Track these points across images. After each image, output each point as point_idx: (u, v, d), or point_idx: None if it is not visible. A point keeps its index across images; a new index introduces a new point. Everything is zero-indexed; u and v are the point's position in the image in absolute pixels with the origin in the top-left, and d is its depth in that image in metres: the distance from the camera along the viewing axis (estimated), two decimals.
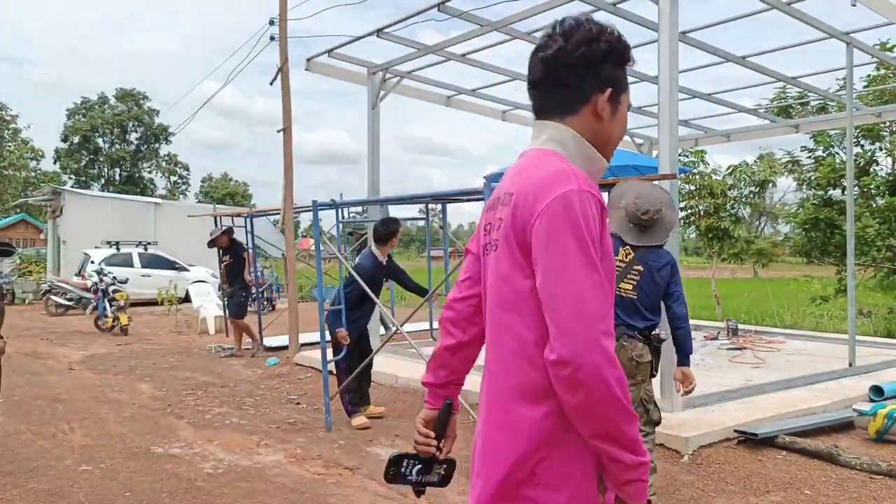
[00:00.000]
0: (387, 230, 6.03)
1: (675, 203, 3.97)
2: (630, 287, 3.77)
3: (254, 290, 10.31)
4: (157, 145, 49.52)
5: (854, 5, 6.54)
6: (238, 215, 11.29)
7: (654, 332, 3.83)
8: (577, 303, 1.28)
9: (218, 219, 10.85)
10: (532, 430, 1.37)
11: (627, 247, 3.80)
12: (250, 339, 9.79)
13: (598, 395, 1.27)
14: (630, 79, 7.92)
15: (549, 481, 1.36)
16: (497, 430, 1.45)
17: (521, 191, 1.40)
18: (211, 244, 9.73)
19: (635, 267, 3.78)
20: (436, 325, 8.00)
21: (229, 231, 9.76)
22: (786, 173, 15.88)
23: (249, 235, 10.41)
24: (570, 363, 1.26)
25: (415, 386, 6.90)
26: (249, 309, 10.09)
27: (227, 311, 9.91)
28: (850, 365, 7.29)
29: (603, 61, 1.46)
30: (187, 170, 51.73)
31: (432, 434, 1.73)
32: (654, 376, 3.89)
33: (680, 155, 11.44)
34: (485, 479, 1.46)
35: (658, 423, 3.92)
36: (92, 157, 47.68)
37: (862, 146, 13.68)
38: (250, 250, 10.12)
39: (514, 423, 1.40)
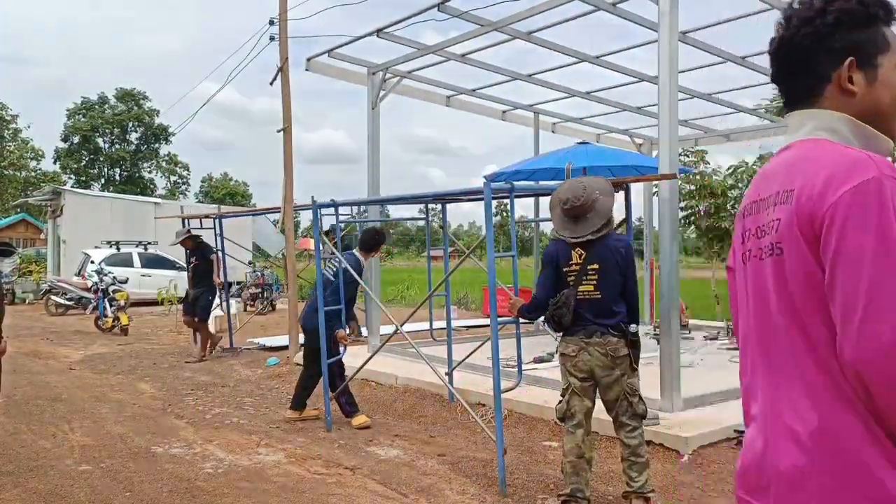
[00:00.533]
0: (374, 241, 6.12)
1: (611, 189, 4.01)
2: (591, 287, 3.79)
3: (221, 292, 10.18)
4: (157, 145, 49.57)
5: None
6: (207, 216, 11.02)
7: (626, 325, 3.84)
8: (877, 299, 1.12)
9: (186, 220, 10.69)
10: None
11: (578, 248, 3.82)
12: (209, 343, 9.51)
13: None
14: (630, 78, 7.89)
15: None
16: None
17: (807, 182, 1.23)
18: (179, 244, 9.70)
19: (590, 266, 3.79)
20: (436, 325, 8.00)
21: (192, 233, 9.65)
22: None
23: (219, 238, 10.15)
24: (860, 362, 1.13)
25: (414, 386, 6.91)
26: (250, 308, 10.02)
27: (193, 314, 9.43)
28: None
29: (831, 33, 1.31)
30: (187, 170, 51.79)
31: None
32: (634, 369, 3.87)
33: (680, 155, 11.43)
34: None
35: (644, 416, 3.90)
36: (92, 157, 47.72)
37: None
38: (219, 252, 9.92)
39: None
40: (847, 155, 1.22)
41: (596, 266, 3.78)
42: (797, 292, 1.27)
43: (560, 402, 3.92)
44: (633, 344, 3.82)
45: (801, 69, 1.36)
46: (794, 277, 1.26)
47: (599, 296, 3.78)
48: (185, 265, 18.55)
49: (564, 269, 3.83)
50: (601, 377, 3.78)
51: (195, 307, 9.40)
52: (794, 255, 1.26)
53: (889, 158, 1.26)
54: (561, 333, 3.95)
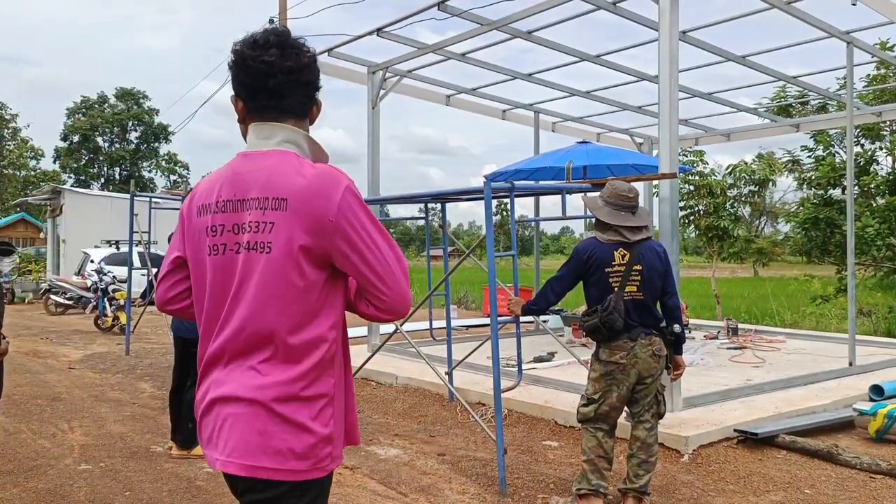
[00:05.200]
0: None
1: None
2: (635, 289, 3.78)
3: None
4: (156, 144, 49.48)
5: (854, 5, 6.53)
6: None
7: (665, 326, 3.87)
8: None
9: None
10: None
11: (621, 249, 3.80)
12: None
13: None
14: (630, 77, 7.95)
15: None
16: None
17: (305, 195, 1.60)
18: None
19: (635, 267, 3.78)
20: (436, 324, 8.00)
21: None
22: (786, 172, 15.89)
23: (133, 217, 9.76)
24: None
25: (414, 385, 6.90)
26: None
27: None
28: (851, 364, 7.29)
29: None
30: (187, 169, 51.67)
31: None
32: (668, 368, 3.93)
33: (679, 154, 11.43)
34: None
35: (662, 416, 3.94)
36: (92, 156, 47.62)
37: (862, 145, 13.69)
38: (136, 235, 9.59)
39: None
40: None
41: (640, 267, 3.77)
42: None
43: (588, 406, 3.84)
44: (669, 343, 3.87)
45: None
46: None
47: (642, 297, 3.78)
48: None
49: (607, 270, 3.77)
50: (645, 377, 3.78)
51: None
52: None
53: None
54: (597, 341, 3.86)
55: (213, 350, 1.68)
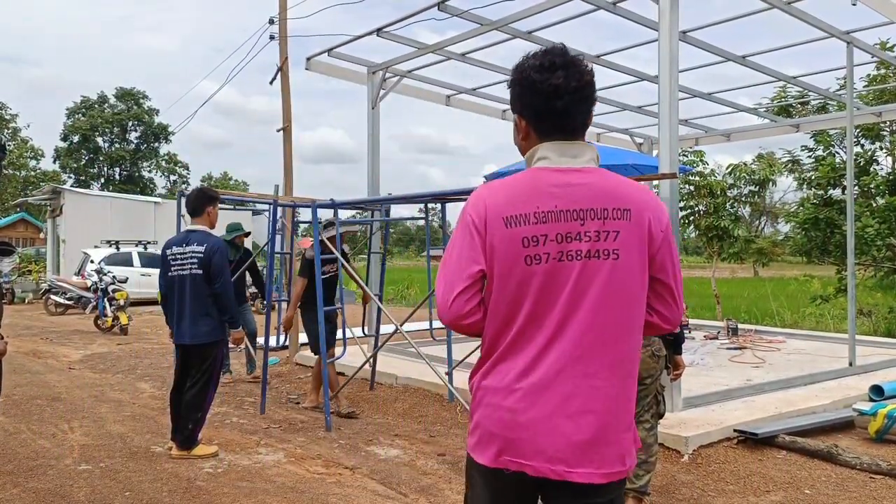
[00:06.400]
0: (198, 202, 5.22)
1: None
2: None
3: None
4: (156, 144, 49.50)
5: (854, 4, 6.53)
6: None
7: None
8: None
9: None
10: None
11: None
12: None
13: None
14: (630, 78, 7.95)
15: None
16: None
17: (642, 207, 1.71)
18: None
19: None
20: (436, 324, 7.99)
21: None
22: (786, 173, 15.89)
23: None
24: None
25: (414, 385, 6.90)
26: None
27: None
28: (851, 364, 7.29)
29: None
30: (187, 169, 51.71)
31: None
32: (667, 368, 3.94)
33: (679, 154, 11.43)
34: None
35: (662, 416, 3.95)
36: (92, 156, 47.64)
37: (862, 145, 13.68)
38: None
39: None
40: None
41: None
42: (634, 287, 1.75)
43: None
44: (668, 343, 3.88)
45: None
46: (636, 274, 1.78)
47: None
48: None
49: None
50: (644, 378, 3.78)
51: None
52: (636, 259, 1.75)
53: None
54: None
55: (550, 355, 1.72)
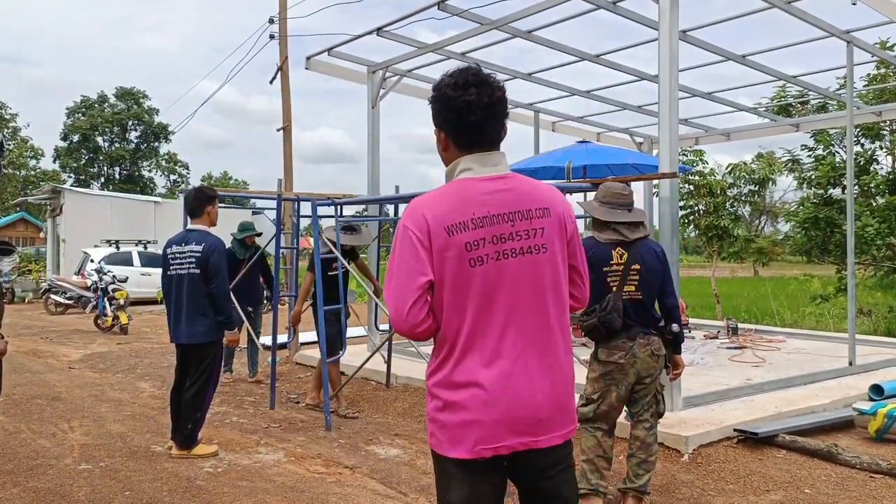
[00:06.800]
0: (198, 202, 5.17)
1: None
2: (633, 288, 3.76)
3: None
4: (156, 144, 49.47)
5: (854, 4, 6.53)
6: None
7: (664, 326, 3.88)
8: None
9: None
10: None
11: (619, 248, 3.80)
12: None
13: None
14: (630, 77, 7.95)
15: None
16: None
17: (556, 204, 1.94)
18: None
19: (633, 267, 3.77)
20: None
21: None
22: (785, 172, 15.88)
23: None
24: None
25: (414, 385, 6.91)
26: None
27: None
28: (851, 364, 7.29)
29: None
30: (187, 168, 51.68)
31: None
32: (667, 367, 3.93)
33: (679, 154, 11.43)
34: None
35: (662, 415, 3.94)
36: (92, 155, 47.60)
37: (862, 145, 13.68)
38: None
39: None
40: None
41: (638, 267, 3.76)
42: (560, 276, 1.96)
43: (587, 406, 3.82)
44: (667, 342, 3.87)
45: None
46: (560, 265, 1.99)
47: (640, 297, 3.77)
48: None
49: (605, 270, 3.74)
50: (644, 377, 3.77)
51: None
52: (559, 251, 1.98)
53: None
54: (595, 341, 3.85)
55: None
